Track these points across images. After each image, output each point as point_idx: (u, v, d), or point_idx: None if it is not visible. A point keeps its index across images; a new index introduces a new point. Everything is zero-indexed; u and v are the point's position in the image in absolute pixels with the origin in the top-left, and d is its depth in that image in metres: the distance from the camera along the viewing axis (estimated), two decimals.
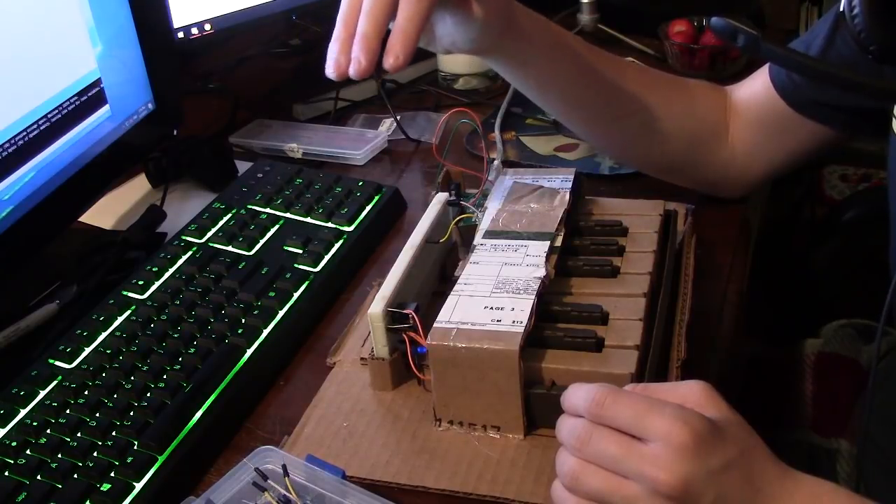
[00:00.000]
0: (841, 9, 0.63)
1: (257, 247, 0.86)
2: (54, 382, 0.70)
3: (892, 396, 0.84)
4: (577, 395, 0.55)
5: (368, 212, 0.92)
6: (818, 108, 0.81)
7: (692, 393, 0.54)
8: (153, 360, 0.72)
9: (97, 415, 0.67)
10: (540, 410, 0.64)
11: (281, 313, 0.78)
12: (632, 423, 0.52)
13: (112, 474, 0.63)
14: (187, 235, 0.87)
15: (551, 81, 0.81)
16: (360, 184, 0.95)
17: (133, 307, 0.78)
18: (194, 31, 1.08)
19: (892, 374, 0.89)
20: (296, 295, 0.80)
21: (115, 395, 0.69)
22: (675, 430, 0.51)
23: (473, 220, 0.78)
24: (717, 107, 0.87)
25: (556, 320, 0.67)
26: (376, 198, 0.94)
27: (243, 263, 0.83)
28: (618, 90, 0.82)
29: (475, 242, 0.74)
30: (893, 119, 0.73)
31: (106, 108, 0.90)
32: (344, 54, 0.65)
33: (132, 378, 0.70)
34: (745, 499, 0.51)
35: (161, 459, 0.64)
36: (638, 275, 0.71)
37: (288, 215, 0.91)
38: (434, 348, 0.64)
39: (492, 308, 0.65)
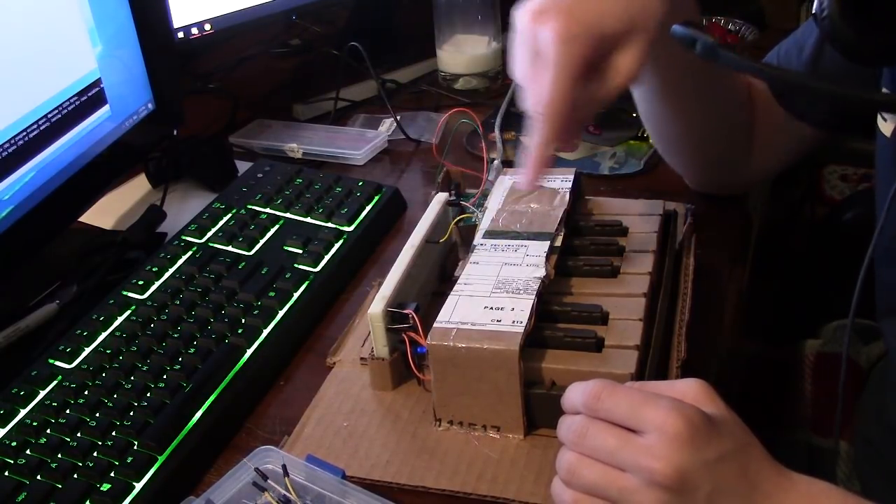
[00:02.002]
0: (814, 10, 0.64)
1: (257, 247, 0.86)
2: (54, 382, 0.70)
3: (889, 398, 0.83)
4: (575, 393, 0.56)
5: (368, 212, 0.92)
6: (808, 111, 0.81)
7: (689, 390, 0.54)
8: (153, 360, 0.72)
9: (97, 415, 0.67)
10: (540, 410, 0.64)
11: (281, 313, 0.78)
12: (627, 415, 0.53)
13: (112, 474, 0.63)
14: (187, 235, 0.87)
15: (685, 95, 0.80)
16: (360, 184, 0.95)
17: (133, 307, 0.78)
18: (194, 31, 1.08)
19: (889, 376, 0.89)
20: (296, 295, 0.80)
21: (115, 395, 0.69)
22: (669, 420, 0.51)
23: (473, 220, 0.78)
24: (750, 101, 0.87)
25: (556, 320, 0.67)
26: (376, 198, 0.94)
27: (243, 263, 0.83)
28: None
29: (475, 242, 0.74)
30: (879, 117, 0.73)
31: (106, 108, 0.90)
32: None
33: (132, 378, 0.70)
34: (741, 493, 0.52)
35: (161, 459, 0.64)
36: (638, 275, 0.71)
37: (288, 215, 0.91)
38: (434, 348, 0.64)
39: (492, 308, 0.65)
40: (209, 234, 0.87)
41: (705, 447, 0.51)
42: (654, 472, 0.50)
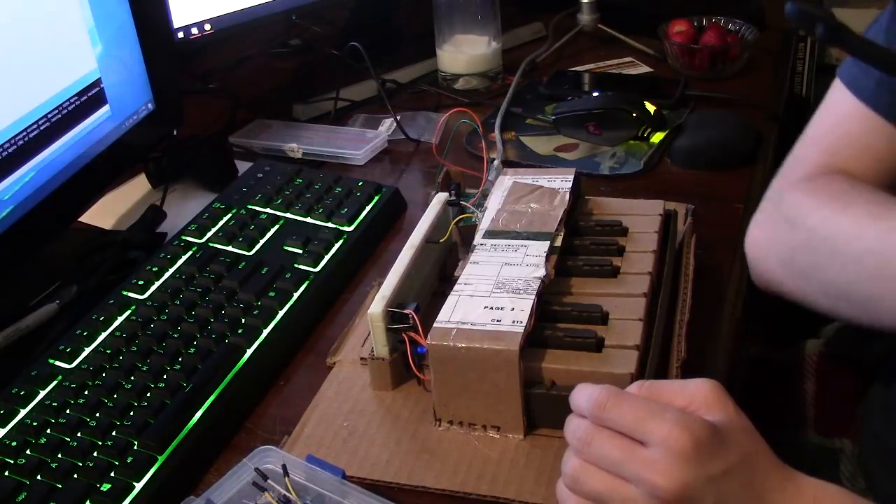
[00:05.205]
0: None
1: (257, 247, 0.86)
2: (54, 382, 0.70)
3: None
4: (581, 396, 0.55)
5: (368, 212, 0.92)
6: None
7: (700, 392, 0.54)
8: (153, 360, 0.72)
9: (97, 415, 0.67)
10: (540, 410, 0.64)
11: (281, 313, 0.78)
12: (632, 426, 0.52)
13: (112, 474, 0.63)
14: (187, 235, 0.87)
15: None
16: (360, 184, 0.95)
17: (133, 307, 0.78)
18: (194, 31, 1.08)
19: None
20: (296, 295, 0.80)
21: (115, 395, 0.69)
22: (674, 435, 0.51)
23: (473, 220, 0.78)
24: None
25: (556, 320, 0.67)
26: (376, 198, 0.94)
27: (243, 263, 0.83)
28: None
29: (475, 242, 0.73)
30: None
31: (106, 108, 0.90)
32: None
33: (132, 378, 0.70)
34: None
35: (161, 459, 0.64)
36: (638, 275, 0.71)
37: (288, 215, 0.91)
38: (434, 348, 0.64)
39: (492, 308, 0.65)
40: (209, 234, 0.87)
41: (709, 462, 0.51)
42: (657, 487, 0.50)
